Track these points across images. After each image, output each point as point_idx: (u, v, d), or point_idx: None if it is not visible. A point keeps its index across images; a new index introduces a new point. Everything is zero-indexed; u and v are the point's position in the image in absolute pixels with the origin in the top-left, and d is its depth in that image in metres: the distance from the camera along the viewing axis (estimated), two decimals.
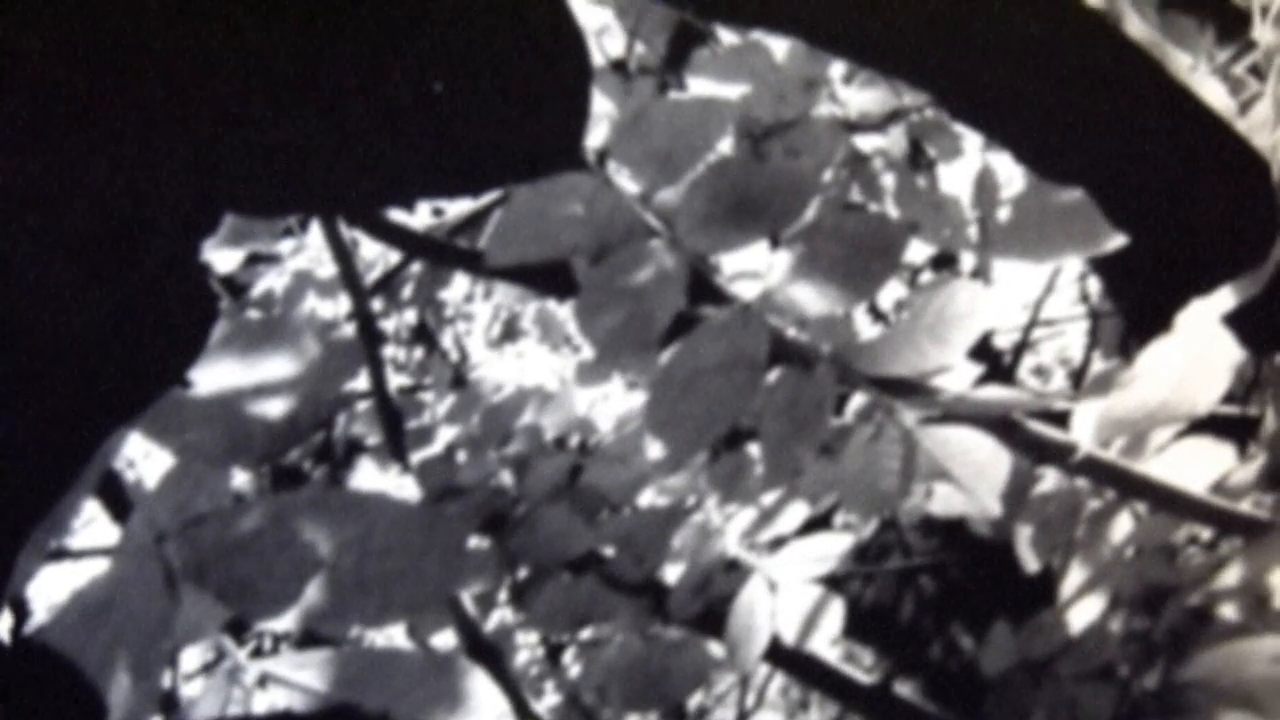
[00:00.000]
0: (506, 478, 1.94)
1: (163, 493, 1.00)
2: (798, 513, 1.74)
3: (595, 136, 1.36)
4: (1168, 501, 1.32)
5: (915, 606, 2.92)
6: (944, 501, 1.51)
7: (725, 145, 1.28)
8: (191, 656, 1.43)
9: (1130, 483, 1.33)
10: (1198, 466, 1.32)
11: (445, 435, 2.03)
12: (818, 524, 1.76)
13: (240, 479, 1.93)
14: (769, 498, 1.75)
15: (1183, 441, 1.32)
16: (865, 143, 1.42)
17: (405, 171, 0.97)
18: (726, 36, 1.52)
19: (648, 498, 1.90)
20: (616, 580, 1.83)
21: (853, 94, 1.42)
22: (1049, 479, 1.47)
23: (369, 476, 2.07)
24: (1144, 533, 1.44)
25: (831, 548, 1.71)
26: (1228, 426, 1.32)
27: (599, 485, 1.88)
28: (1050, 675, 1.75)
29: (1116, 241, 1.17)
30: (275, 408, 1.04)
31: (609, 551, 1.86)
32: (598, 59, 1.58)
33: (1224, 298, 1.04)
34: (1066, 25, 1.02)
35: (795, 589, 1.68)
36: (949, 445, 1.23)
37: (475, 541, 1.86)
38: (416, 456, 2.00)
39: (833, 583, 1.70)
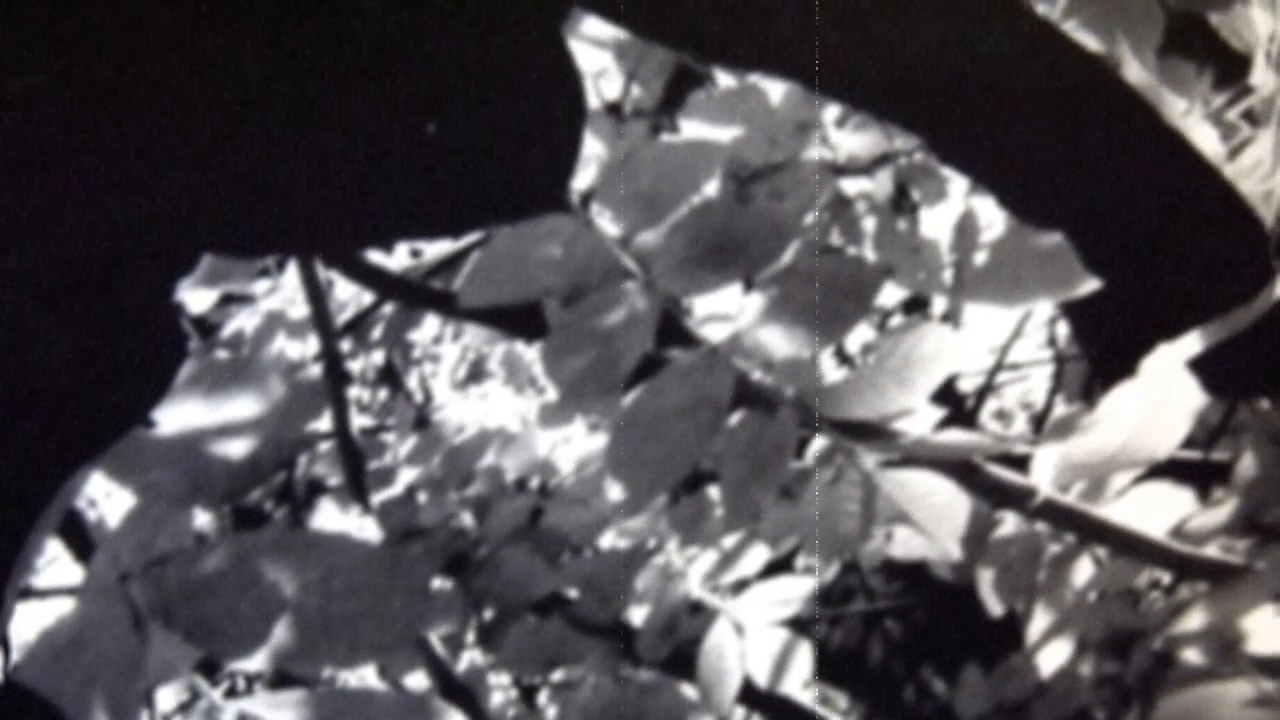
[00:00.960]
0: (467, 519, 1.95)
1: (125, 532, 1.01)
2: (759, 555, 1.76)
3: (582, 178, 1.37)
4: (1127, 546, 1.35)
5: (884, 649, 2.94)
6: (904, 545, 1.52)
7: (711, 188, 1.29)
8: (167, 696, 1.44)
9: (1089, 527, 1.35)
10: (1157, 511, 1.35)
11: (406, 476, 2.05)
12: (779, 567, 1.77)
13: (202, 519, 1.94)
14: (730, 540, 1.77)
15: (1142, 486, 1.34)
16: (851, 186, 1.45)
17: (391, 212, 1.01)
18: (724, 79, 1.54)
19: (609, 540, 1.91)
20: (583, 622, 1.85)
21: (844, 137, 1.44)
22: (1009, 523, 1.49)
23: (330, 517, 2.07)
24: (1106, 577, 1.47)
25: (794, 590, 1.73)
26: (1187, 471, 1.35)
27: (560, 527, 1.89)
28: (1027, 719, 1.78)
29: (1090, 285, 1.19)
30: (237, 448, 1.06)
31: (574, 593, 1.88)
32: (593, 102, 1.59)
33: (1190, 343, 1.08)
34: (1067, 70, 1.06)
35: (762, 631, 1.71)
36: (909, 488, 1.25)
37: (439, 583, 1.87)
38: (378, 497, 2.01)
39: (798, 625, 1.73)
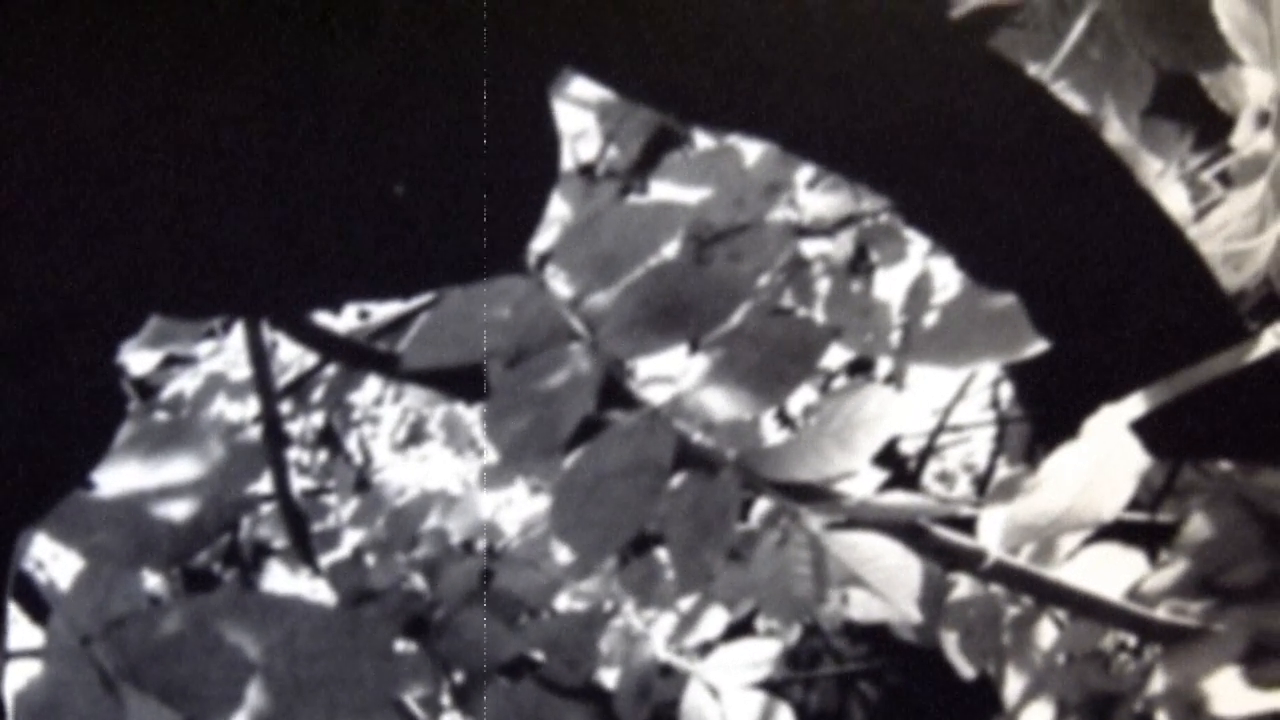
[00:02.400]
0: (419, 581, 1.98)
1: (78, 595, 1.03)
2: (717, 618, 1.79)
3: (543, 239, 1.40)
4: (1084, 608, 1.37)
5: (862, 713, 2.95)
6: (863, 607, 1.54)
7: (671, 249, 1.33)
8: None
9: (1043, 589, 1.38)
10: (1109, 573, 1.37)
11: (351, 538, 2.08)
12: (742, 629, 1.81)
13: (153, 581, 1.97)
14: (686, 603, 1.80)
15: (1091, 548, 1.37)
16: (810, 247, 1.49)
17: (344, 274, 1.03)
18: (703, 141, 1.58)
19: (564, 602, 1.94)
20: (555, 684, 1.88)
21: (813, 199, 1.48)
22: (964, 585, 1.51)
23: (279, 579, 2.09)
24: (1071, 639, 1.48)
25: (761, 653, 1.76)
26: (1135, 533, 1.38)
27: (512, 589, 1.92)
28: None
29: (1037, 347, 1.22)
30: (179, 510, 1.09)
31: (539, 655, 1.91)
32: (567, 163, 1.62)
33: (1133, 405, 1.10)
34: (1048, 132, 1.10)
35: (739, 694, 1.74)
36: (858, 551, 1.27)
37: (402, 645, 1.90)
38: (325, 560, 2.04)
39: (772, 688, 1.76)
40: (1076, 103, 1.31)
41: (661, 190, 1.47)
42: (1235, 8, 1.08)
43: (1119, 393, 1.10)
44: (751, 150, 1.46)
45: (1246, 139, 1.22)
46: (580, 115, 1.63)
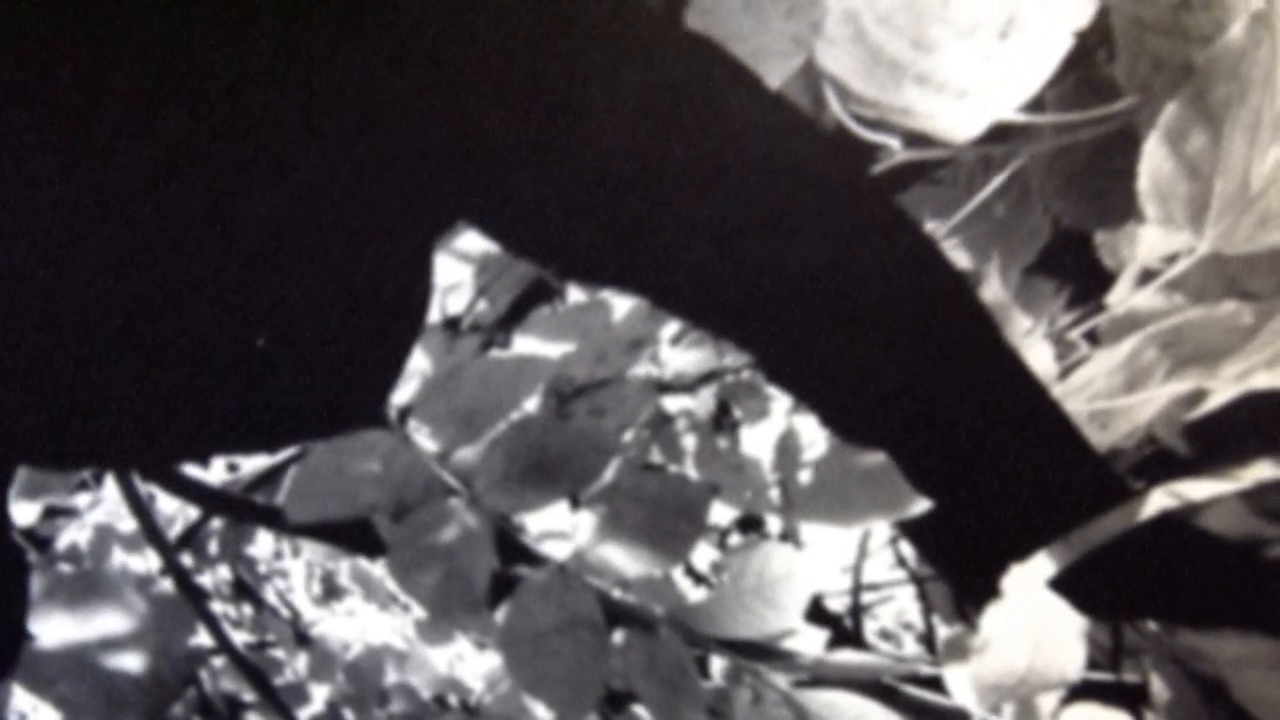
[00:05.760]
0: None
1: None
2: None
3: (403, 393, 1.39)
4: None
5: None
6: None
7: (532, 404, 1.32)
8: None
9: None
10: None
11: (320, 693, 2.03)
12: None
13: None
14: None
15: (1073, 707, 1.32)
16: (673, 403, 1.48)
17: (205, 426, 1.02)
18: (574, 295, 1.58)
19: None
20: None
21: (675, 354, 1.47)
22: None
23: None
24: None
25: None
26: (1110, 694, 1.37)
27: None
28: None
29: (920, 506, 1.20)
30: (130, 662, 1.04)
31: None
32: (434, 315, 1.62)
33: (1042, 564, 1.09)
34: (926, 290, 1.08)
35: None
36: (836, 709, 1.25)
37: None
38: (303, 714, 2.00)
39: None
40: (963, 259, 1.33)
41: (525, 344, 1.47)
42: (1160, 165, 1.09)
43: (1018, 550, 1.10)
44: (620, 305, 1.46)
45: (1122, 297, 1.24)
46: (458, 267, 1.62)
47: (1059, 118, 1.24)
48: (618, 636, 1.25)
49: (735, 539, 1.99)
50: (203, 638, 1.85)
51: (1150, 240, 1.25)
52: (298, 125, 0.93)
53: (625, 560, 1.23)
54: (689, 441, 1.46)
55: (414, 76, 0.95)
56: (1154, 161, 1.09)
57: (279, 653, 2.17)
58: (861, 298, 1.07)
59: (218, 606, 2.41)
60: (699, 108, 1.01)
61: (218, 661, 2.05)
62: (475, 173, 1.00)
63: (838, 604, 2.02)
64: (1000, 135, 1.24)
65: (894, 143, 1.18)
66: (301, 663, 2.09)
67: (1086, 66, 1.25)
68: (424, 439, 1.26)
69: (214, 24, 0.89)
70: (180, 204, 0.92)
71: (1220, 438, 1.20)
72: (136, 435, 1.00)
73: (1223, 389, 1.15)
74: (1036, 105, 1.17)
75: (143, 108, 0.90)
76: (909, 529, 1.31)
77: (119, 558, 2.01)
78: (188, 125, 0.91)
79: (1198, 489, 1.09)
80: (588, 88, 0.98)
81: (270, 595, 2.48)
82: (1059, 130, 1.26)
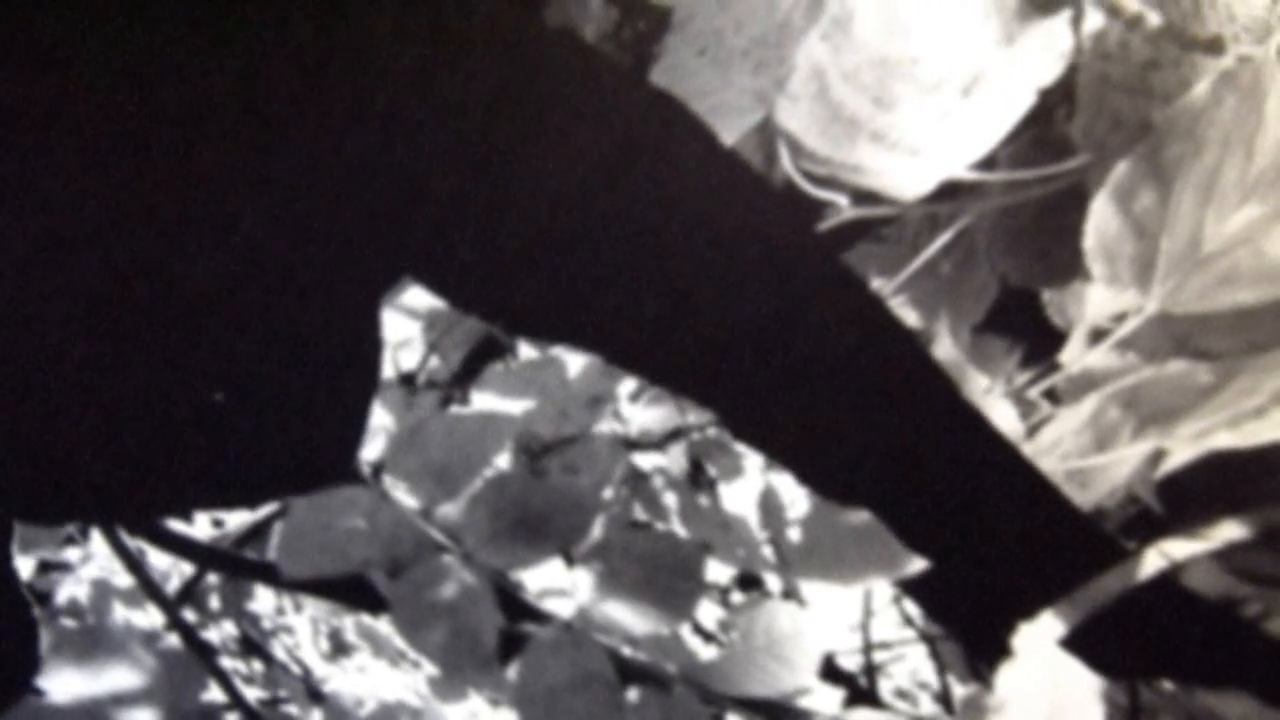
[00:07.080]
0: None
1: None
2: None
3: (371, 449, 1.40)
4: None
5: None
6: None
7: (503, 461, 1.32)
8: None
9: None
10: None
11: None
12: None
13: None
14: None
15: None
16: (645, 460, 1.47)
17: (183, 481, 1.02)
18: (526, 351, 1.58)
19: None
20: None
21: (637, 411, 1.47)
22: None
23: None
24: None
25: None
26: None
27: None
28: None
29: (917, 565, 1.19)
30: (143, 717, 1.09)
31: None
32: (388, 372, 1.64)
33: (1050, 624, 1.07)
34: (879, 347, 1.07)
35: None
36: None
37: None
38: None
39: None
40: (910, 316, 1.33)
41: (483, 400, 1.48)
42: (1107, 224, 1.09)
43: (1020, 609, 1.08)
44: (574, 362, 1.47)
45: (1075, 356, 1.21)
46: (406, 323, 1.62)
47: (1009, 175, 1.23)
48: (632, 694, 1.25)
49: (737, 596, 1.98)
50: (214, 694, 1.90)
51: (1097, 299, 1.25)
52: (244, 178, 0.94)
53: (630, 618, 1.23)
54: (670, 499, 1.46)
55: (362, 130, 0.96)
56: (1101, 220, 1.09)
57: (293, 709, 2.21)
58: (813, 354, 1.07)
59: (227, 662, 2.48)
60: (649, 164, 1.02)
61: (231, 718, 2.11)
62: (420, 227, 1.01)
63: (850, 662, 1.97)
64: (949, 193, 1.23)
65: (842, 200, 1.18)
66: (316, 719, 2.13)
67: (1044, 124, 1.24)
68: (401, 495, 1.26)
69: (161, 80, 0.91)
70: (125, 256, 0.94)
71: (1187, 497, 1.19)
72: (109, 489, 1.01)
73: (1180, 449, 1.15)
74: (989, 162, 1.18)
75: (91, 161, 0.91)
76: (910, 588, 1.28)
77: (121, 613, 2.07)
78: (133, 178, 0.92)
79: (1178, 548, 1.09)
80: (537, 143, 0.99)
81: (279, 651, 2.52)
82: (1008, 188, 1.25)
